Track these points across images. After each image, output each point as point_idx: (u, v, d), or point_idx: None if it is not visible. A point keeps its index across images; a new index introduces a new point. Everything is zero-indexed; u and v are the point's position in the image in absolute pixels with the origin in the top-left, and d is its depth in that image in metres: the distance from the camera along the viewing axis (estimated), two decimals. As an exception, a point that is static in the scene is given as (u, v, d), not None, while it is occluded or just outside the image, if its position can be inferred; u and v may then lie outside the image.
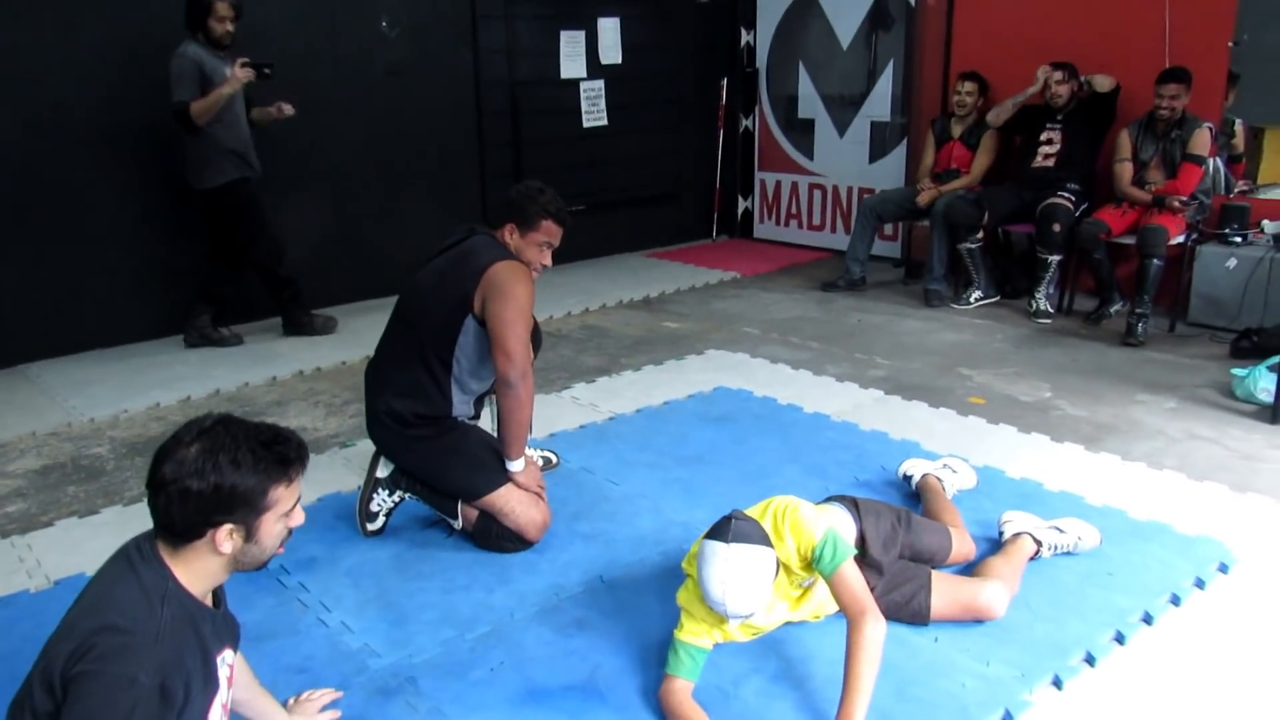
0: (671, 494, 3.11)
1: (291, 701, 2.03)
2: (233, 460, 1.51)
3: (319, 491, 3.21)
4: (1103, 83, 5.22)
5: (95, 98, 4.74)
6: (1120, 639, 2.31)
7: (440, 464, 2.78)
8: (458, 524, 2.81)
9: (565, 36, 6.44)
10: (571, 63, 6.51)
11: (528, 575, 2.65)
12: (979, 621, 2.35)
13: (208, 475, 1.50)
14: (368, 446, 3.55)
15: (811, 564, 2.09)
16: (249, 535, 1.56)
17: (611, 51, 6.68)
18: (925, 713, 2.04)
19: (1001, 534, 2.68)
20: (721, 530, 2.00)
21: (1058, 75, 5.27)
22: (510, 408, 2.69)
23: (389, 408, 2.78)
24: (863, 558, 2.28)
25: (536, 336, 3.06)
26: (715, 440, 3.56)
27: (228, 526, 1.54)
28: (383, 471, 2.88)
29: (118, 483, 3.45)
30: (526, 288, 2.69)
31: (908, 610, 2.34)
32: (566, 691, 2.14)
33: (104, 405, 4.18)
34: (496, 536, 2.75)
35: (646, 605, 2.48)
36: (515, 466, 2.77)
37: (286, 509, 1.60)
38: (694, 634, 2.08)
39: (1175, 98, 4.87)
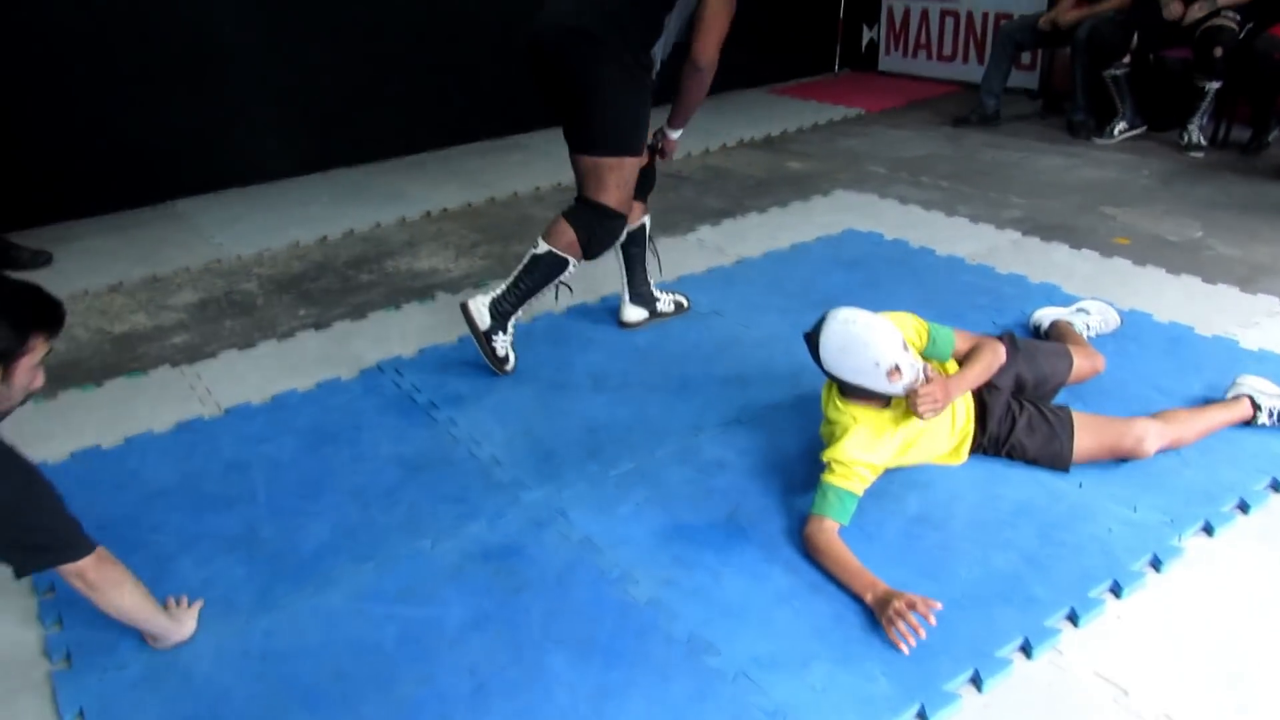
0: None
1: (170, 602, 2.04)
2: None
3: (459, 331, 3.31)
4: None
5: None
6: (1277, 486, 2.26)
7: (625, 101, 2.76)
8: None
9: None
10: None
11: (666, 415, 2.71)
12: (1124, 461, 2.32)
13: None
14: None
15: (924, 351, 2.20)
16: (4, 377, 1.66)
17: None
18: (1070, 556, 2.06)
19: (1227, 392, 2.56)
20: (822, 318, 2.15)
21: None
22: (690, 87, 2.86)
23: (612, 8, 2.70)
24: None
25: (651, 177, 3.05)
26: (846, 284, 3.51)
27: None
28: (483, 321, 2.91)
29: (269, 318, 3.62)
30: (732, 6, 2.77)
31: (1048, 454, 2.32)
32: (710, 528, 2.22)
33: (248, 243, 4.35)
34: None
35: (784, 446, 2.52)
36: (674, 134, 3.02)
37: (38, 360, 1.70)
38: (845, 478, 2.12)
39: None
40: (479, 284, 3.79)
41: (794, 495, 2.31)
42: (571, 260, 2.88)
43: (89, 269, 4.12)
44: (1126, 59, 5.07)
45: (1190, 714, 1.69)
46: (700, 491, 2.36)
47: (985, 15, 6.45)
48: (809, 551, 2.08)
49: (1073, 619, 1.90)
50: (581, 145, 2.84)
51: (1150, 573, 2.02)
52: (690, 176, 5.07)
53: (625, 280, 3.25)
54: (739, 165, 5.24)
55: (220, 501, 2.44)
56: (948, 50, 6.78)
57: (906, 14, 6.95)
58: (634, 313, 3.27)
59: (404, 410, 2.84)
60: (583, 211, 2.87)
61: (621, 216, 2.88)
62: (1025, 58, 6.03)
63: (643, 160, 2.91)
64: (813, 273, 3.64)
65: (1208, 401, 2.58)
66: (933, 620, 1.80)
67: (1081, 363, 2.57)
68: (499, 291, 2.91)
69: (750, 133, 5.78)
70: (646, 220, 3.18)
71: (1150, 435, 2.31)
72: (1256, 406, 2.46)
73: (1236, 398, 2.50)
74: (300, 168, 5.31)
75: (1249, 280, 3.43)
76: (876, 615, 1.88)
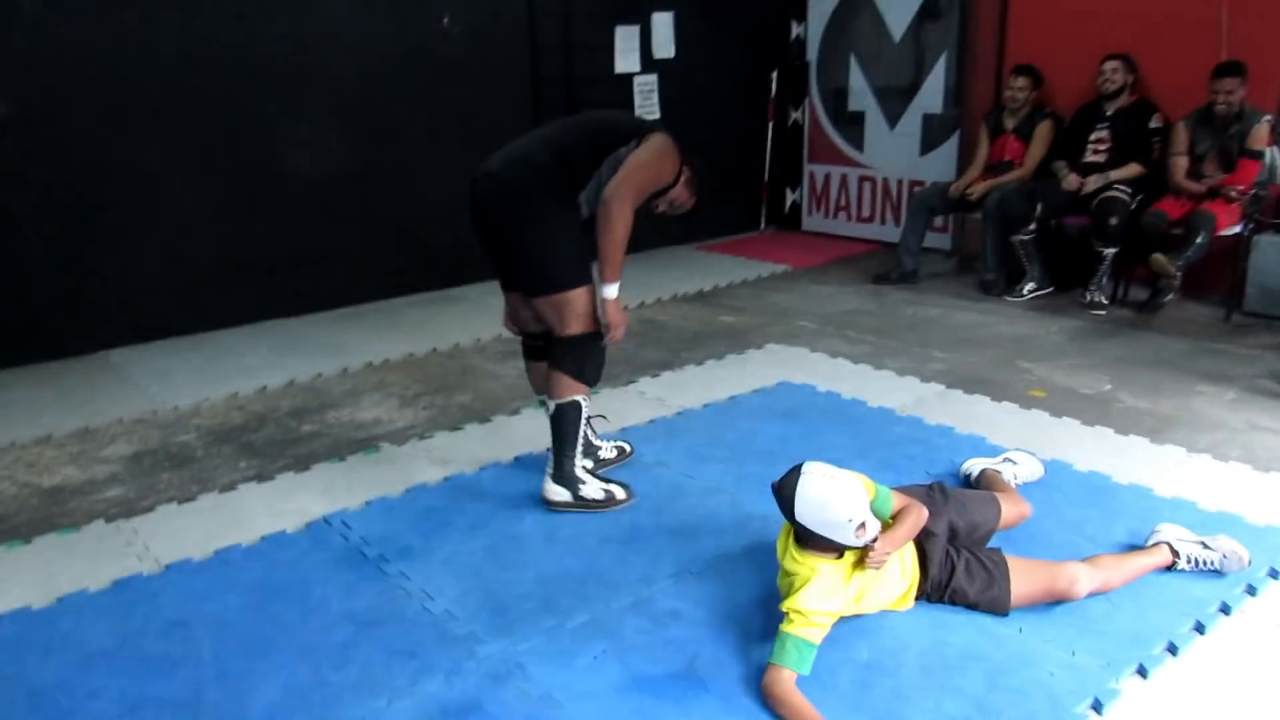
0: (748, 488, 3.20)
1: None
2: None
3: (406, 483, 3.34)
4: None
5: (175, 91, 4.89)
6: (1200, 628, 2.39)
7: (551, 240, 2.91)
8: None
9: (620, 32, 6.51)
10: (626, 57, 6.59)
11: (619, 566, 2.75)
12: (1059, 603, 2.44)
13: None
14: (445, 439, 3.70)
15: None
16: None
17: (665, 46, 6.75)
18: (1017, 701, 2.13)
19: (1147, 539, 2.71)
20: (793, 471, 2.24)
21: (1113, 64, 5.31)
22: (599, 223, 2.88)
23: (537, 159, 2.90)
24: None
25: (595, 368, 3.12)
26: (785, 435, 3.64)
27: None
28: (565, 495, 3.07)
29: (209, 471, 3.58)
30: (667, 163, 2.98)
31: (987, 599, 2.42)
32: (669, 679, 2.24)
33: (185, 393, 4.33)
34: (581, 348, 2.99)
35: (737, 595, 2.58)
36: (610, 292, 2.94)
37: None
38: (804, 628, 2.18)
39: (1231, 92, 4.89)
40: (424, 435, 3.82)
41: (750, 644, 2.35)
42: (581, 398, 3.02)
43: (16, 420, 4.05)
44: (1033, 226, 5.48)
45: None
46: (657, 642, 2.39)
47: (900, 181, 6.92)
48: (768, 701, 2.11)
49: (1024, 765, 1.96)
50: (529, 289, 3.02)
51: (1091, 715, 2.10)
52: (629, 330, 5.22)
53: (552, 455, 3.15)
54: (674, 318, 5.44)
55: (163, 663, 2.38)
56: (866, 212, 7.22)
57: (827, 178, 7.41)
58: (556, 492, 3.12)
59: (354, 564, 2.82)
60: (560, 351, 3.01)
61: (594, 335, 3.01)
62: (939, 220, 6.44)
63: (589, 288, 3.00)
64: (752, 424, 3.77)
65: (1131, 547, 2.73)
66: None
67: (1009, 509, 2.72)
68: (552, 465, 3.07)
69: (684, 287, 6.02)
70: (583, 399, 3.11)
71: (1081, 578, 2.44)
72: (1175, 554, 2.61)
73: (1157, 544, 2.65)
74: (238, 319, 5.35)
75: (1157, 431, 3.66)
76: None
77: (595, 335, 3.02)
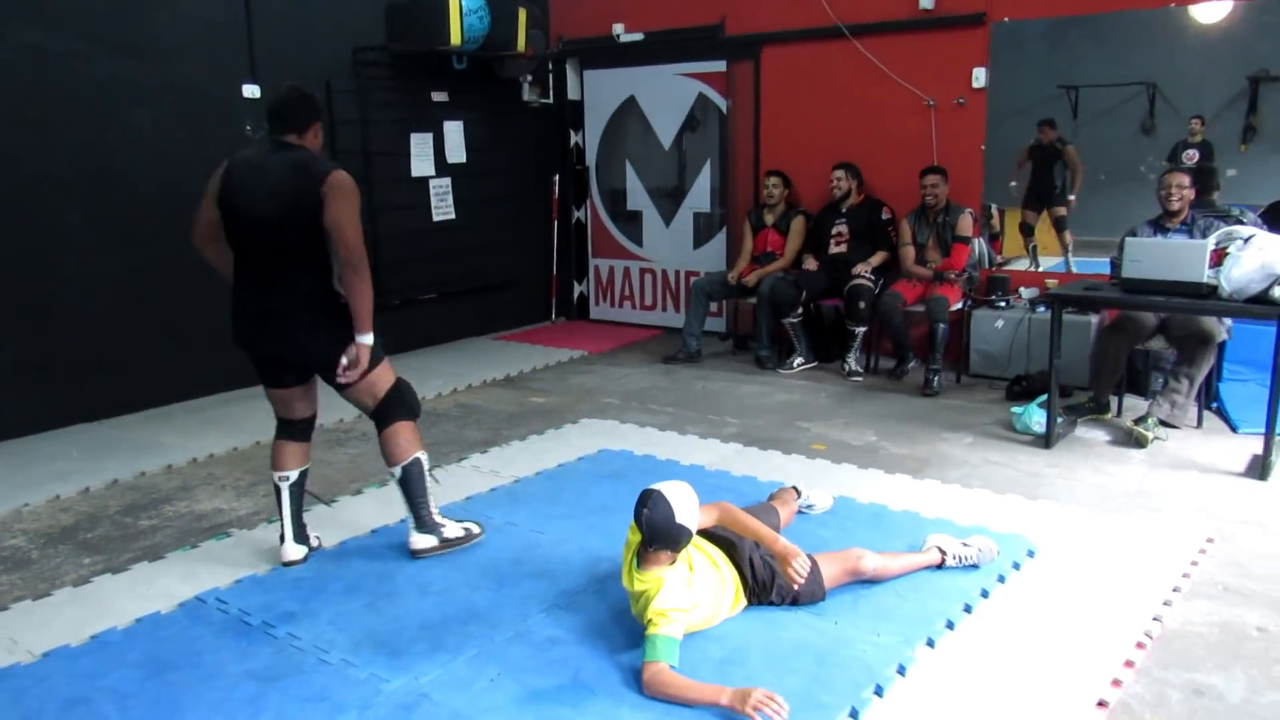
0: (593, 537, 3.62)
1: None
2: None
3: (270, 562, 3.51)
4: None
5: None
6: (968, 609, 3.03)
7: (333, 337, 3.21)
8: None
9: (415, 138, 6.95)
10: (421, 162, 7.02)
11: (494, 608, 3.09)
12: (863, 597, 3.04)
13: None
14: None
15: None
16: None
17: (456, 151, 7.25)
18: (842, 673, 2.66)
19: (922, 546, 3.36)
20: (647, 493, 2.75)
21: (839, 173, 6.32)
22: (357, 286, 3.13)
23: (302, 290, 3.21)
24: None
25: (414, 397, 3.52)
26: (615, 492, 4.10)
27: None
28: (431, 541, 3.48)
29: (52, 569, 3.58)
30: (356, 192, 3.18)
31: (807, 591, 2.98)
32: (561, 690, 2.61)
33: (1, 500, 4.24)
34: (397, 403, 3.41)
35: (601, 620, 2.98)
36: (366, 339, 3.21)
37: None
38: (665, 626, 2.62)
39: (935, 186, 5.97)
40: (270, 520, 3.97)
41: (621, 654, 2.77)
42: (420, 454, 3.42)
43: None
44: (799, 309, 6.32)
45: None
46: (543, 663, 2.75)
47: (677, 272, 7.70)
48: (652, 692, 2.53)
49: (853, 715, 2.48)
50: (341, 387, 3.35)
51: (897, 678, 2.66)
52: (446, 413, 5.56)
53: (289, 516, 3.51)
54: (488, 402, 5.82)
55: (72, 734, 2.48)
56: (649, 301, 7.93)
57: (611, 271, 8.09)
58: (422, 540, 3.48)
59: (240, 632, 3.00)
60: (385, 411, 3.40)
61: (401, 379, 3.44)
62: (714, 306, 7.22)
63: (382, 362, 3.38)
64: (583, 485, 4.21)
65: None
66: (785, 705, 2.39)
67: (785, 512, 3.50)
68: (413, 519, 3.48)
69: (491, 374, 6.41)
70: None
71: (866, 555, 3.13)
72: (944, 553, 3.28)
73: (929, 548, 3.31)
74: (38, 425, 5.22)
75: (917, 470, 4.42)
76: (738, 709, 2.41)
77: (395, 379, 3.43)
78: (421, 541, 3.45)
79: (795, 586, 2.92)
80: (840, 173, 6.36)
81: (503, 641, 2.88)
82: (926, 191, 5.98)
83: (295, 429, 3.52)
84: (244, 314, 3.32)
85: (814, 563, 3.01)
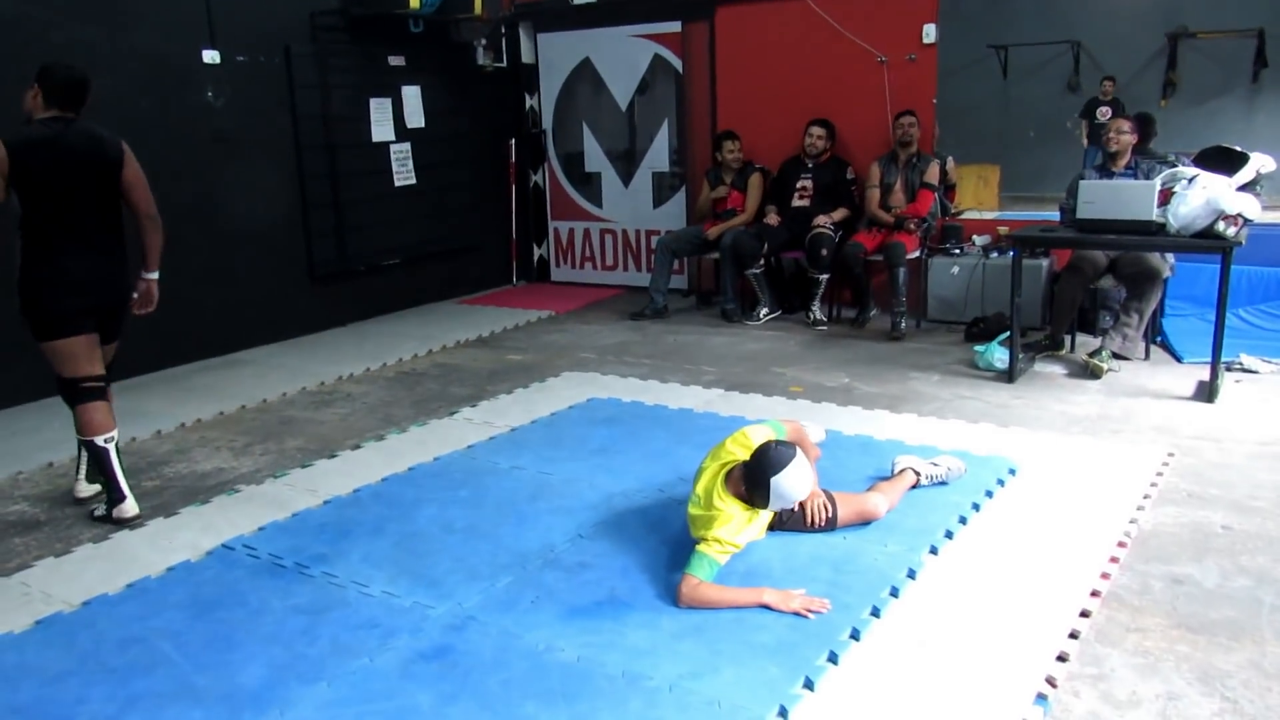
0: (599, 475, 3.79)
1: None
2: None
3: (287, 511, 3.60)
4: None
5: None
6: (963, 520, 3.27)
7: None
8: None
9: (374, 103, 6.96)
10: (381, 127, 7.03)
11: (520, 541, 3.24)
12: (868, 523, 3.23)
13: None
14: (302, 475, 4.00)
15: None
16: None
17: (415, 116, 7.26)
18: (859, 578, 2.88)
19: (892, 469, 3.57)
20: (781, 450, 2.85)
21: (819, 130, 6.50)
22: (157, 231, 3.74)
23: (117, 241, 3.68)
24: None
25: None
26: (612, 435, 4.26)
27: None
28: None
29: (64, 529, 3.63)
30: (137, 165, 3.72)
31: (822, 520, 3.18)
32: (598, 606, 2.78)
33: (-4, 470, 4.25)
34: None
35: (627, 545, 3.16)
36: (150, 274, 3.79)
37: None
38: (719, 552, 2.80)
39: (910, 126, 6.18)
40: (277, 475, 4.06)
41: (651, 574, 2.94)
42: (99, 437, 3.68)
43: None
44: (761, 261, 6.52)
45: (943, 640, 2.52)
46: (578, 584, 2.91)
47: (638, 232, 7.84)
48: (689, 602, 2.72)
49: (875, 613, 2.69)
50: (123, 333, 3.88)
51: (908, 581, 2.89)
52: (426, 372, 5.65)
53: (122, 474, 3.72)
54: (467, 361, 5.91)
55: (135, 669, 2.58)
56: (610, 261, 8.06)
57: (571, 233, 8.19)
58: (133, 506, 3.69)
59: (275, 574, 3.10)
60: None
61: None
62: (675, 263, 7.38)
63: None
64: (581, 430, 4.36)
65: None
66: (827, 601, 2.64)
67: (812, 452, 3.55)
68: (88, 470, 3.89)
69: (463, 335, 6.49)
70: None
71: (882, 505, 3.28)
72: (917, 474, 3.52)
73: (903, 471, 3.53)
74: (17, 398, 5.17)
75: (893, 406, 4.66)
76: (780, 608, 2.63)
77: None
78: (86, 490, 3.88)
79: (814, 528, 3.14)
80: (820, 129, 6.53)
81: (534, 569, 3.03)
82: (902, 131, 6.19)
83: (98, 388, 3.70)
84: (76, 273, 3.58)
85: (832, 502, 3.21)
